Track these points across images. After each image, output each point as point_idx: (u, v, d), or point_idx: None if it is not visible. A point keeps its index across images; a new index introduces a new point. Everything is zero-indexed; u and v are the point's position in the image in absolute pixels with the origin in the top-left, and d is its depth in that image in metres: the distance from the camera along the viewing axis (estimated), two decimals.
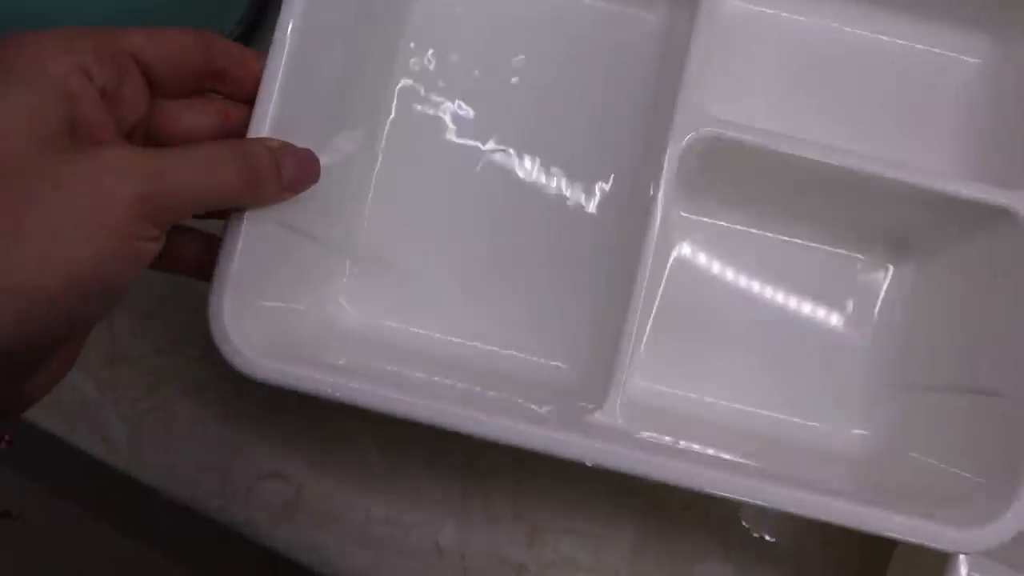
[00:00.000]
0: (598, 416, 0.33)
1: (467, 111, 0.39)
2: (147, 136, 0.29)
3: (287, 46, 0.31)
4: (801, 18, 0.39)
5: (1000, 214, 0.33)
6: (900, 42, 0.38)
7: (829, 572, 0.40)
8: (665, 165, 0.34)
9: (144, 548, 0.68)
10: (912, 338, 0.37)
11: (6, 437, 0.33)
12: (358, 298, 0.38)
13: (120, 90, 0.26)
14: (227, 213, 0.30)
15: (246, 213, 0.30)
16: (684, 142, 0.34)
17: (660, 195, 0.34)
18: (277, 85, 0.30)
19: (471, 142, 0.39)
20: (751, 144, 0.34)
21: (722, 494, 0.30)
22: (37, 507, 0.68)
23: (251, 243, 0.30)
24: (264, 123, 0.30)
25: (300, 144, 0.31)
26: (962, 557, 0.33)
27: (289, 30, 0.31)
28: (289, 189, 0.30)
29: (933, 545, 0.29)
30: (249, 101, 0.31)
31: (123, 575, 0.69)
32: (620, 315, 0.33)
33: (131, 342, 0.41)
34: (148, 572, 0.69)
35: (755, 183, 0.36)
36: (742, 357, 0.38)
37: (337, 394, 0.31)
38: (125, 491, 0.40)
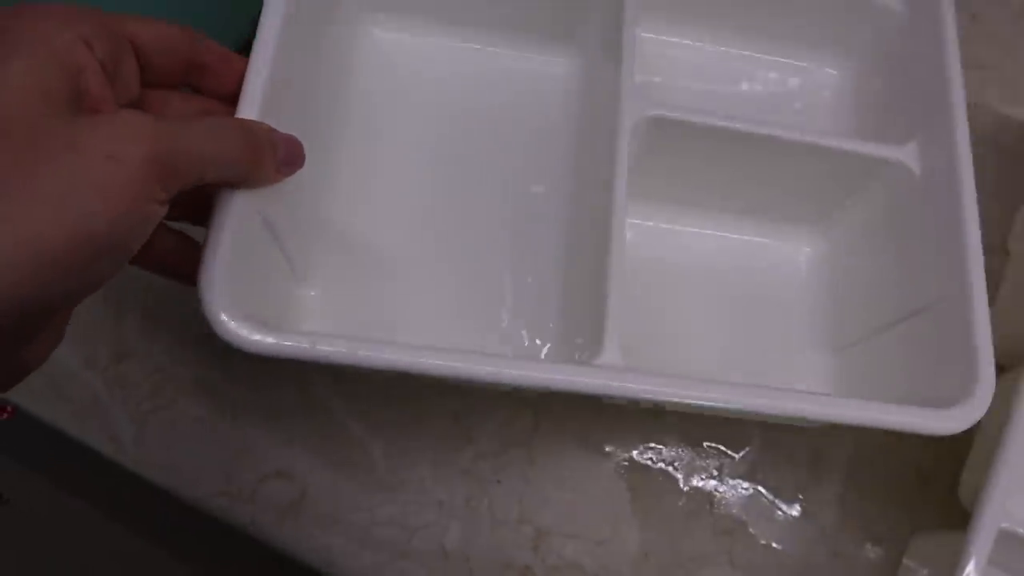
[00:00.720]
0: (600, 359, 0.32)
1: (419, 135, 0.42)
2: None
3: (271, 50, 0.33)
4: (696, 43, 0.45)
5: (892, 164, 0.38)
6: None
7: None
8: (619, 145, 0.36)
9: (150, 546, 0.68)
10: (847, 292, 0.41)
11: (8, 408, 0.33)
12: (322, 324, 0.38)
13: (118, 68, 0.27)
14: (210, 209, 0.30)
15: (234, 199, 0.30)
16: (633, 123, 0.36)
17: (618, 168, 0.36)
18: (262, 81, 0.32)
19: (425, 161, 0.41)
20: (693, 121, 0.37)
21: (733, 405, 0.32)
22: (42, 500, 0.68)
23: (238, 226, 0.30)
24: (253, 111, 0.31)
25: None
26: (971, 566, 0.33)
27: (273, 30, 0.33)
28: (282, 169, 0.31)
29: (923, 430, 0.32)
30: (229, 98, 0.32)
31: (128, 572, 0.69)
32: (598, 280, 0.34)
33: (139, 340, 0.41)
34: (153, 570, 0.69)
35: (693, 162, 0.39)
36: (700, 336, 0.41)
37: (333, 356, 0.30)
38: (132, 488, 0.40)
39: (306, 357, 0.30)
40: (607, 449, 0.41)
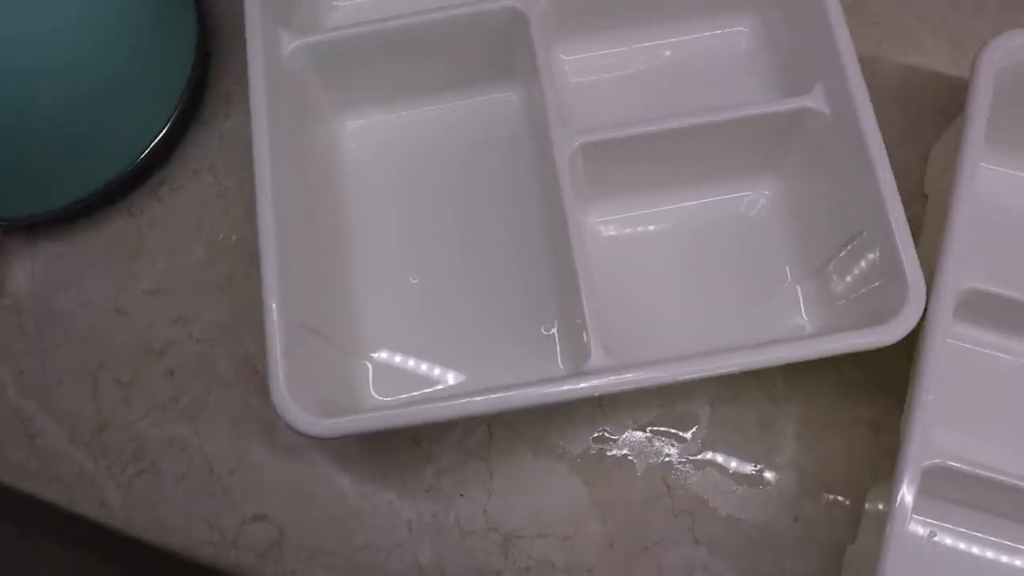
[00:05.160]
0: (590, 364, 0.37)
1: (411, 198, 0.46)
2: None
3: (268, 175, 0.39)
4: (624, 48, 0.47)
5: (804, 111, 0.41)
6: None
7: (800, 546, 0.41)
8: (560, 173, 0.39)
9: None
10: (804, 231, 0.44)
11: None
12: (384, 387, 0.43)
13: None
14: None
15: (275, 322, 0.36)
16: (568, 152, 0.40)
17: (564, 195, 0.39)
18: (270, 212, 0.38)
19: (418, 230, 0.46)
20: (617, 137, 0.40)
21: (714, 372, 0.36)
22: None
23: (287, 340, 0.36)
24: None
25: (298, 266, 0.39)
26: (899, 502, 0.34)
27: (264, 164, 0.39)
28: None
29: (864, 347, 0.36)
30: None
31: None
32: (574, 291, 0.39)
33: (116, 411, 0.44)
34: None
35: (635, 161, 0.42)
36: (679, 308, 0.44)
37: (383, 423, 0.36)
38: (124, 545, 0.43)
39: (359, 430, 0.36)
40: (560, 449, 0.43)
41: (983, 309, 0.39)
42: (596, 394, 0.35)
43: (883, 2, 0.48)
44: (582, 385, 0.35)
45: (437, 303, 0.44)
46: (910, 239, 0.36)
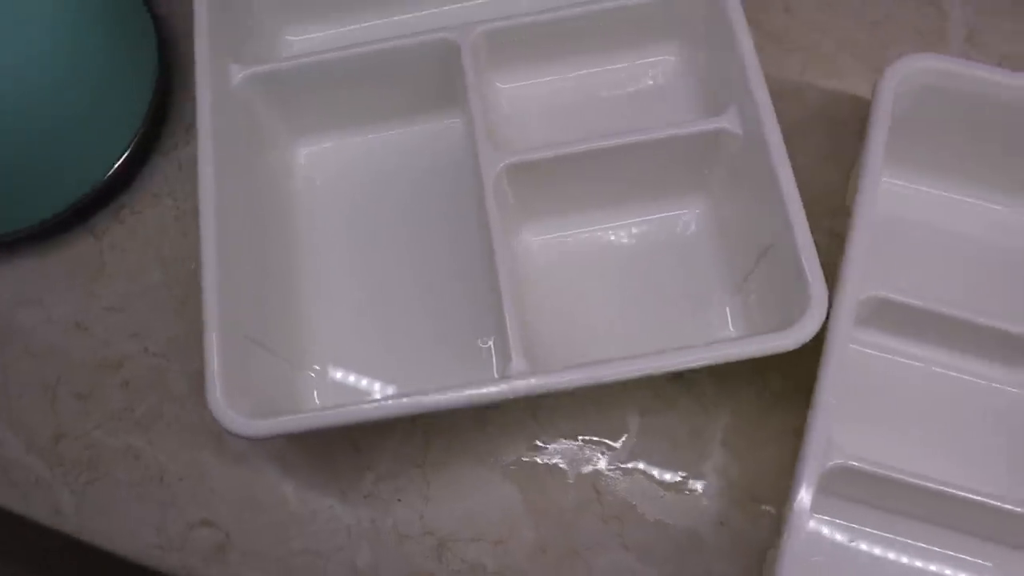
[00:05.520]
0: (511, 369, 0.39)
1: (360, 220, 0.49)
2: None
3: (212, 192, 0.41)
4: (558, 77, 0.50)
5: (720, 132, 0.43)
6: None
7: (725, 551, 0.42)
8: (486, 193, 0.42)
9: None
10: (729, 247, 0.46)
11: None
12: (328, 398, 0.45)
13: None
14: None
15: (215, 333, 0.39)
16: (494, 173, 0.42)
17: (489, 214, 0.41)
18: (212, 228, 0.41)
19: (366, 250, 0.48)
20: (541, 158, 0.42)
21: (614, 378, 0.38)
22: None
23: (226, 349, 0.39)
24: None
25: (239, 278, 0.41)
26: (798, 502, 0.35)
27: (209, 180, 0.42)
28: None
29: (770, 351, 0.37)
30: None
31: None
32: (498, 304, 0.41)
33: (73, 422, 0.47)
34: None
35: (563, 181, 0.44)
36: (612, 324, 0.45)
37: (313, 423, 0.38)
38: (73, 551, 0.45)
39: (287, 430, 0.38)
40: (495, 458, 0.44)
41: (888, 316, 0.41)
42: (511, 397, 0.37)
43: (806, 30, 0.50)
44: (497, 388, 0.37)
45: (381, 320, 0.46)
46: (813, 249, 0.38)
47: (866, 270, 0.39)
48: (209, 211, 0.41)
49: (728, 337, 0.44)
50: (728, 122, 0.42)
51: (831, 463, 0.37)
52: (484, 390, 0.37)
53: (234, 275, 0.41)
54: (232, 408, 0.37)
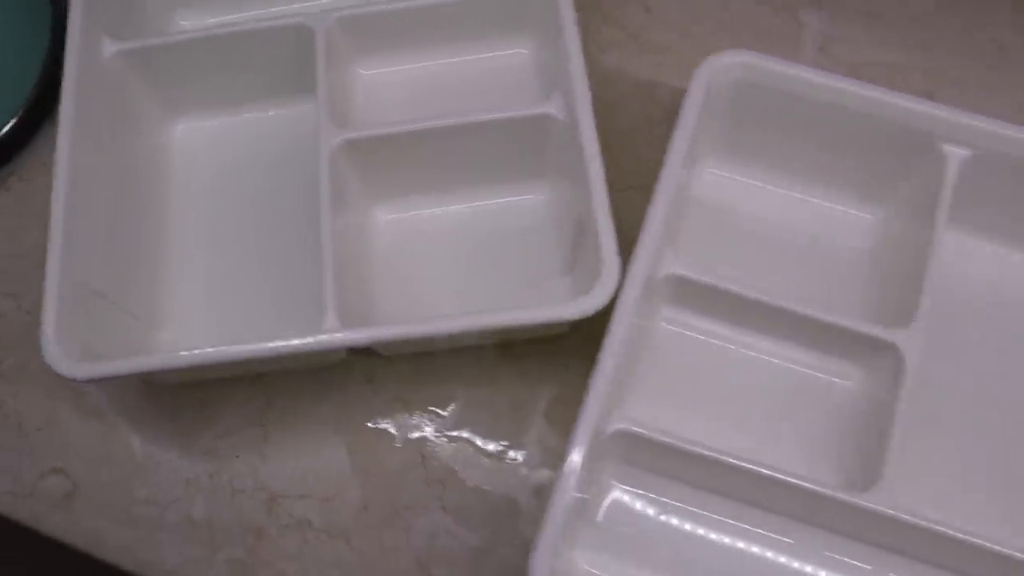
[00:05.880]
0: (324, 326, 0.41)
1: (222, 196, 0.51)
2: None
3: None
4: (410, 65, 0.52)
5: (546, 117, 0.45)
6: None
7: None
8: (321, 165, 0.45)
9: None
10: (564, 228, 0.47)
11: None
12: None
13: None
14: None
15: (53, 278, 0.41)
16: (331, 148, 0.45)
17: (321, 185, 0.44)
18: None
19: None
20: (376, 135, 0.46)
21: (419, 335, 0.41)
22: None
23: (63, 297, 0.41)
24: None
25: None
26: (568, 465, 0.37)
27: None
28: None
29: (555, 319, 0.41)
30: None
31: None
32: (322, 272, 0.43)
33: None
34: None
35: (407, 160, 0.47)
36: (455, 302, 0.47)
37: (133, 367, 0.41)
38: None
39: (110, 373, 0.41)
40: (331, 420, 0.47)
41: (692, 296, 0.43)
42: (316, 349, 0.40)
43: (664, 30, 0.53)
44: (301, 341, 0.40)
45: (232, 289, 0.49)
46: (610, 225, 0.41)
47: (693, 254, 0.40)
48: (63, 171, 0.43)
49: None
50: (553, 107, 0.45)
51: (613, 428, 0.39)
52: (290, 342, 0.40)
53: (85, 233, 0.44)
54: (62, 349, 0.40)
